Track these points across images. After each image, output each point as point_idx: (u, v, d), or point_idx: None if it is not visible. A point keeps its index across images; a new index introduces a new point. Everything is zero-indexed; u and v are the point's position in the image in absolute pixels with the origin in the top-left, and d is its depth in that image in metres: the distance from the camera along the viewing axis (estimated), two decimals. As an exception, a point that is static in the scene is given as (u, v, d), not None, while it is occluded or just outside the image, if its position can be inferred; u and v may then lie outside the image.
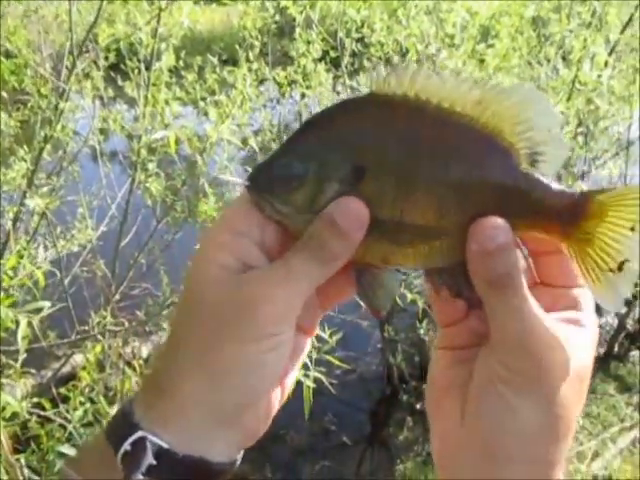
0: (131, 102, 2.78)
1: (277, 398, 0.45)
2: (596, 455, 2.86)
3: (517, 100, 0.41)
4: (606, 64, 2.53)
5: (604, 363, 3.57)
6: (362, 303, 0.44)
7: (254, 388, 0.41)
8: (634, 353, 3.74)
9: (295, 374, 0.48)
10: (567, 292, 0.45)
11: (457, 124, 0.41)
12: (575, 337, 0.42)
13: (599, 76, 2.45)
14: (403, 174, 0.41)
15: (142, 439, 0.39)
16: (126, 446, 0.39)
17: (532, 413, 0.41)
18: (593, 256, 0.42)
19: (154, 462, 0.39)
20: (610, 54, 2.58)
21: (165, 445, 0.40)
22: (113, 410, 2.20)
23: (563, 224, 0.42)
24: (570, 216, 0.42)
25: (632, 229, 0.41)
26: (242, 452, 0.45)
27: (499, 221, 0.41)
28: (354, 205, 0.41)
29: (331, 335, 1.71)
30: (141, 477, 0.39)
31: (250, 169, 0.46)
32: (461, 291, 0.43)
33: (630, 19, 2.64)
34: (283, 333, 0.41)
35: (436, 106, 0.41)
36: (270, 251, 0.43)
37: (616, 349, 3.70)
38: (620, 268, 0.42)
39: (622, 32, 2.64)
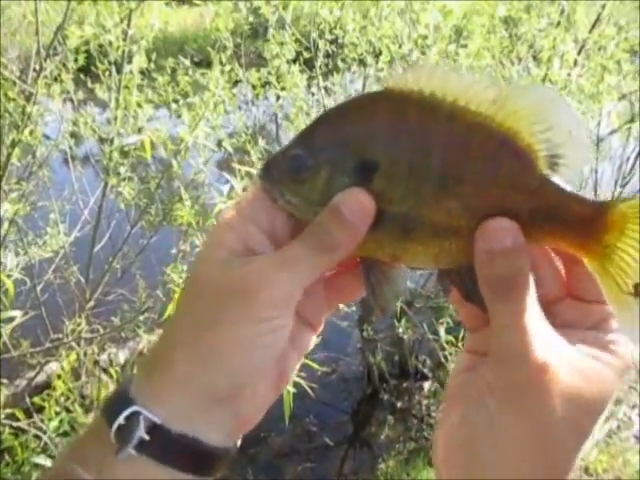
0: (102, 105, 2.74)
1: (274, 386, 0.45)
2: (573, 447, 2.91)
3: (534, 99, 0.39)
4: (575, 63, 2.57)
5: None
6: (370, 300, 0.44)
7: (248, 369, 0.41)
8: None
9: (296, 367, 0.48)
10: (600, 308, 0.41)
11: (471, 123, 0.40)
12: (594, 366, 0.39)
13: (568, 75, 2.49)
14: (415, 172, 0.41)
15: (136, 414, 0.39)
16: (120, 420, 0.39)
17: (512, 428, 0.39)
18: (613, 274, 0.38)
19: (146, 437, 0.39)
20: (579, 53, 2.62)
21: (158, 420, 0.39)
22: (90, 419, 2.16)
23: (581, 235, 0.39)
24: (589, 227, 0.39)
25: None
26: (239, 442, 0.44)
27: (508, 223, 0.39)
28: (359, 196, 0.41)
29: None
30: (133, 452, 0.38)
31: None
32: (470, 294, 0.42)
33: (598, 18, 2.69)
34: (280, 317, 0.41)
35: (451, 104, 0.40)
36: (279, 241, 0.43)
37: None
38: (637, 292, 0.37)
39: (590, 31, 2.69)
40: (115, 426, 0.39)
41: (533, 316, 0.39)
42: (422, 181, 0.41)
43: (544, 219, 0.39)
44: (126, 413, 0.39)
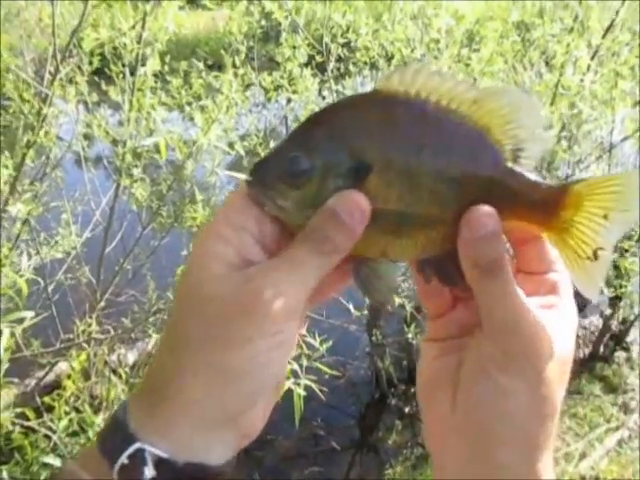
0: (115, 106, 2.76)
1: (276, 397, 0.45)
2: (583, 456, 2.88)
3: (508, 101, 0.43)
4: (588, 68, 2.55)
5: (590, 364, 3.60)
6: (367, 298, 0.45)
7: (260, 387, 0.40)
8: (619, 354, 3.78)
9: (287, 370, 0.47)
10: (546, 278, 0.47)
11: (454, 121, 0.43)
12: (554, 321, 0.44)
13: (582, 80, 2.48)
14: (407, 169, 0.43)
15: (140, 451, 0.38)
16: (123, 459, 0.38)
17: (521, 394, 0.42)
18: (572, 245, 0.44)
19: (155, 474, 0.37)
20: (592, 58, 2.61)
21: (165, 455, 0.38)
22: (99, 419, 2.17)
23: (543, 214, 0.44)
24: (549, 206, 0.44)
25: (605, 217, 0.43)
26: (236, 452, 0.43)
27: (489, 209, 0.43)
28: (356, 197, 0.41)
29: (322, 343, 1.71)
30: None
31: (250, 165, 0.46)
32: (452, 279, 0.45)
33: (611, 24, 2.67)
34: (290, 329, 0.40)
35: (435, 103, 0.43)
36: (269, 248, 0.43)
37: (601, 350, 3.74)
38: (595, 256, 0.43)
39: (603, 37, 2.67)
40: (118, 466, 0.38)
41: (517, 290, 0.43)
42: (414, 179, 0.43)
43: (512, 203, 0.44)
44: (130, 451, 0.38)
